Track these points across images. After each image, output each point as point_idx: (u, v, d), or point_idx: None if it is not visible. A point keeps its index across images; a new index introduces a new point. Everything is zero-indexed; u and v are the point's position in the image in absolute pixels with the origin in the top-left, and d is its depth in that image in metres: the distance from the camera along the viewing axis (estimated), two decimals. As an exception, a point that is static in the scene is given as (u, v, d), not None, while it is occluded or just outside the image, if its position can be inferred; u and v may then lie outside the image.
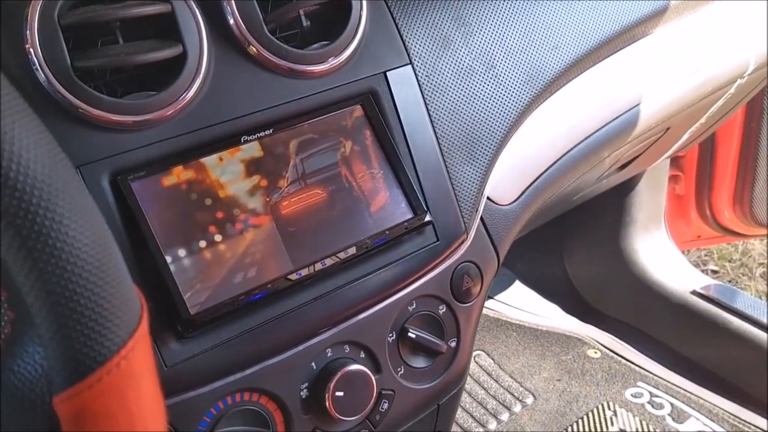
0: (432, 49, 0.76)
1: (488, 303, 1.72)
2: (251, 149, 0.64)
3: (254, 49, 0.64)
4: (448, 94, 0.76)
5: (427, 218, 0.71)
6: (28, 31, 0.55)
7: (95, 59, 0.57)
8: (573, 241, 1.74)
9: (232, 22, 0.64)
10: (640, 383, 1.47)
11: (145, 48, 0.59)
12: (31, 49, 0.55)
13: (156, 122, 0.60)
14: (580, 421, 1.39)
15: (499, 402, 1.46)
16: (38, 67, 0.56)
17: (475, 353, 1.57)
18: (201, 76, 0.61)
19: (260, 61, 0.65)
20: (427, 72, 0.75)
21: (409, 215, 0.70)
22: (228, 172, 0.62)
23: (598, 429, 1.37)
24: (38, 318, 0.33)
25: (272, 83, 0.66)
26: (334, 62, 0.68)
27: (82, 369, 0.33)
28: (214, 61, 0.63)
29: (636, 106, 0.91)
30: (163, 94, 0.59)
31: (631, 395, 1.44)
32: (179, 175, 0.60)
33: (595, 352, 1.57)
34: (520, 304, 1.74)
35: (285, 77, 0.66)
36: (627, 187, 1.59)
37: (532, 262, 1.79)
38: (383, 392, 0.71)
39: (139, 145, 0.59)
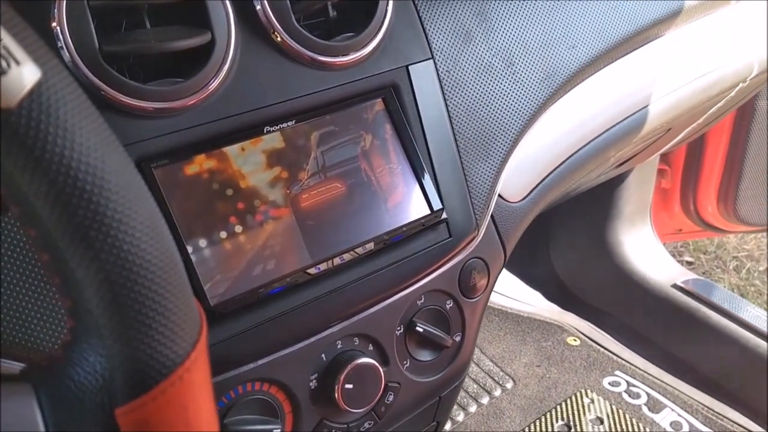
0: (454, 44, 0.75)
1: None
2: (273, 140, 0.63)
3: (279, 37, 0.63)
4: (466, 90, 0.76)
5: (443, 216, 0.71)
6: (56, 10, 0.54)
7: (125, 45, 0.55)
8: (559, 230, 1.75)
9: (259, 8, 0.63)
10: (617, 372, 1.49)
11: (175, 35, 0.57)
12: (58, 28, 0.54)
13: (179, 110, 0.59)
14: (558, 407, 1.41)
15: (480, 386, 1.48)
16: (63, 46, 0.54)
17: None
18: (227, 65, 0.60)
19: (284, 50, 0.64)
20: (448, 67, 0.75)
21: (426, 212, 0.70)
22: (249, 162, 0.62)
23: (576, 415, 1.39)
24: (105, 329, 0.32)
25: (295, 74, 0.65)
26: (357, 55, 0.67)
27: (148, 381, 0.33)
28: (239, 50, 0.62)
29: (645, 107, 0.91)
30: (189, 82, 0.58)
31: (609, 384, 1.46)
32: (201, 163, 0.59)
33: (575, 340, 1.59)
34: (503, 289, 1.75)
35: (308, 68, 0.65)
36: (616, 180, 1.60)
37: (517, 249, 1.80)
38: (389, 384, 0.72)
39: (162, 133, 0.58)
